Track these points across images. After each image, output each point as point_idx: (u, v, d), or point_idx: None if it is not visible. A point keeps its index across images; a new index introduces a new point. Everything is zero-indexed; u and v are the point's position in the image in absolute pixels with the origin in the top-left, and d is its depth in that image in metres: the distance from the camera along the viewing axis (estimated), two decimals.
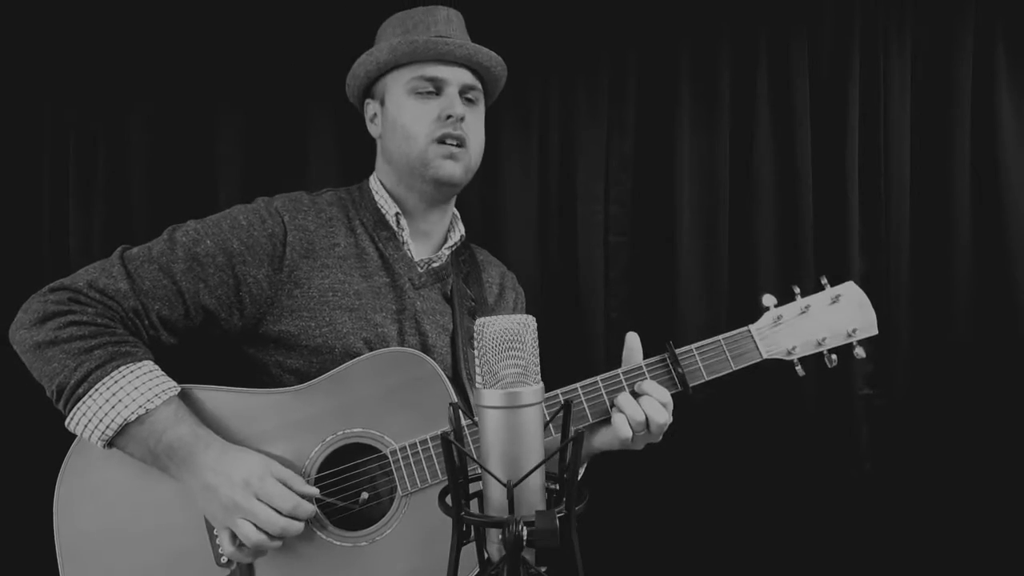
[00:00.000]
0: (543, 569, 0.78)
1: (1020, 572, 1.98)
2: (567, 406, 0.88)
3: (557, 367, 1.23)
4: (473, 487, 0.86)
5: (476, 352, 0.81)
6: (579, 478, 1.46)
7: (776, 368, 1.99)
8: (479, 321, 0.80)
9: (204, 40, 1.89)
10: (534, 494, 0.79)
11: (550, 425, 1.18)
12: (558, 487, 0.84)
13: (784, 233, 2.02)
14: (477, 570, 0.84)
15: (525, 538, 0.73)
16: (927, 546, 2.01)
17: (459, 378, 1.38)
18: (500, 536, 0.76)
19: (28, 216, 1.88)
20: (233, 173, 1.92)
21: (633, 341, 1.30)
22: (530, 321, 0.81)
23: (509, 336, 0.79)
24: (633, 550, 2.00)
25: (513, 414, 0.78)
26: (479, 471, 0.81)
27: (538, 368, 0.81)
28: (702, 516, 2.00)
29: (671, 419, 1.24)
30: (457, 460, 0.82)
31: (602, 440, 1.29)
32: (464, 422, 1.19)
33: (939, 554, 2.00)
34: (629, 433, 1.21)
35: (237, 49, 1.90)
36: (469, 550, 0.83)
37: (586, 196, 2.02)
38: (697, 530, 2.00)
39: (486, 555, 0.82)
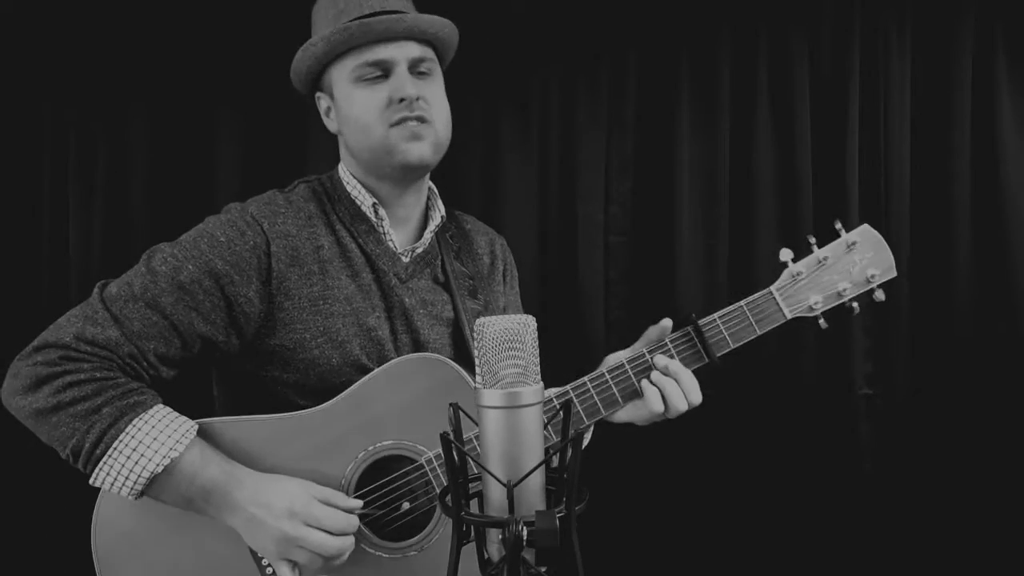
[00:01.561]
0: (543, 569, 0.78)
1: (1020, 572, 1.98)
2: (567, 405, 0.87)
3: (557, 367, 1.23)
4: (473, 487, 0.85)
5: (476, 352, 0.81)
6: (587, 439, 1.44)
7: (776, 363, 2.00)
8: (479, 321, 0.80)
9: (203, 40, 1.90)
10: (534, 494, 0.79)
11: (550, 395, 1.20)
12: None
13: (784, 233, 2.02)
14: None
15: (525, 538, 0.73)
16: (927, 545, 2.01)
17: (471, 364, 1.33)
18: (500, 536, 0.76)
19: (28, 216, 1.88)
20: (232, 172, 1.92)
21: (666, 323, 1.27)
22: (530, 321, 0.80)
23: (509, 336, 0.79)
24: (633, 550, 2.00)
25: (513, 414, 0.78)
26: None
27: (538, 368, 0.81)
28: (702, 516, 2.00)
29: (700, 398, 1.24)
30: (457, 460, 0.82)
31: (630, 414, 1.26)
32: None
33: (939, 553, 2.00)
34: (661, 407, 1.21)
35: (236, 49, 1.90)
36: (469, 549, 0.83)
37: (586, 196, 2.02)
38: (697, 530, 2.00)
39: (486, 555, 0.82)
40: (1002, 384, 2.00)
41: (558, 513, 0.76)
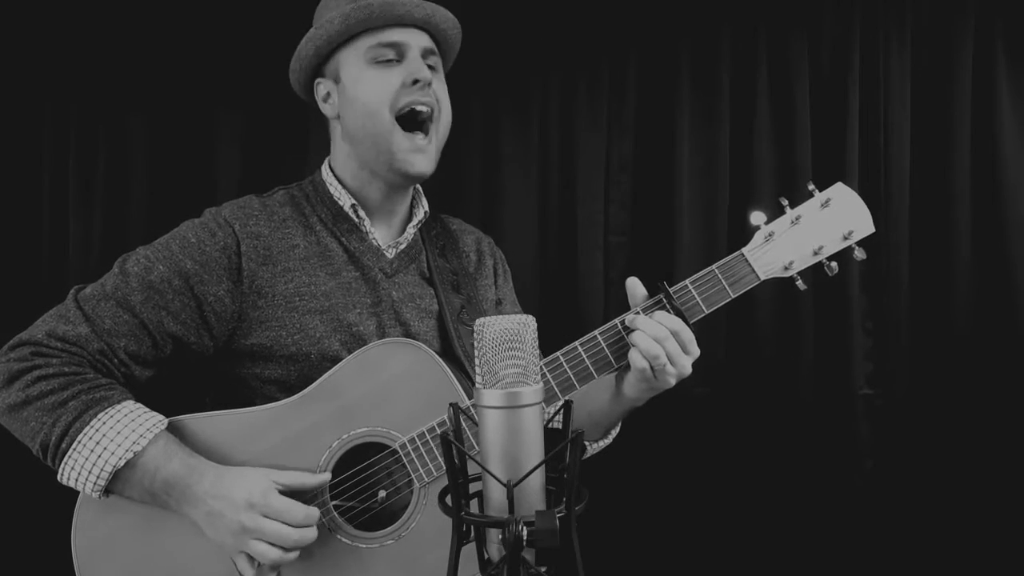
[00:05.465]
0: (543, 569, 0.78)
1: (1020, 572, 1.99)
2: (567, 405, 0.88)
3: None
4: (473, 487, 0.85)
5: (476, 352, 0.81)
6: (614, 434, 1.43)
7: (777, 363, 2.01)
8: (479, 321, 0.80)
9: (204, 40, 1.90)
10: (534, 494, 0.79)
11: (556, 388, 1.17)
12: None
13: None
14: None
15: (525, 538, 0.73)
16: (928, 544, 2.01)
17: (455, 356, 1.33)
18: (500, 536, 0.76)
19: (28, 216, 1.88)
20: (233, 172, 1.92)
21: (634, 286, 1.22)
22: (530, 321, 0.80)
23: (509, 336, 0.79)
24: (633, 550, 2.00)
25: (513, 414, 0.78)
26: (479, 470, 0.81)
27: (538, 368, 0.81)
28: (703, 516, 2.00)
29: (677, 344, 1.14)
30: (457, 460, 0.82)
31: (631, 387, 1.20)
32: (467, 404, 1.18)
33: (940, 552, 2.00)
34: (645, 364, 1.14)
35: (236, 49, 1.90)
36: (469, 550, 0.83)
37: (586, 196, 2.02)
38: (698, 530, 2.00)
39: (486, 555, 0.82)
40: (1002, 384, 2.00)
41: (558, 513, 0.76)
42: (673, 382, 1.18)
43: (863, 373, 2.03)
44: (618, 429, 1.45)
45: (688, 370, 1.17)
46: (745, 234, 2.09)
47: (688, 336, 1.16)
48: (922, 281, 2.04)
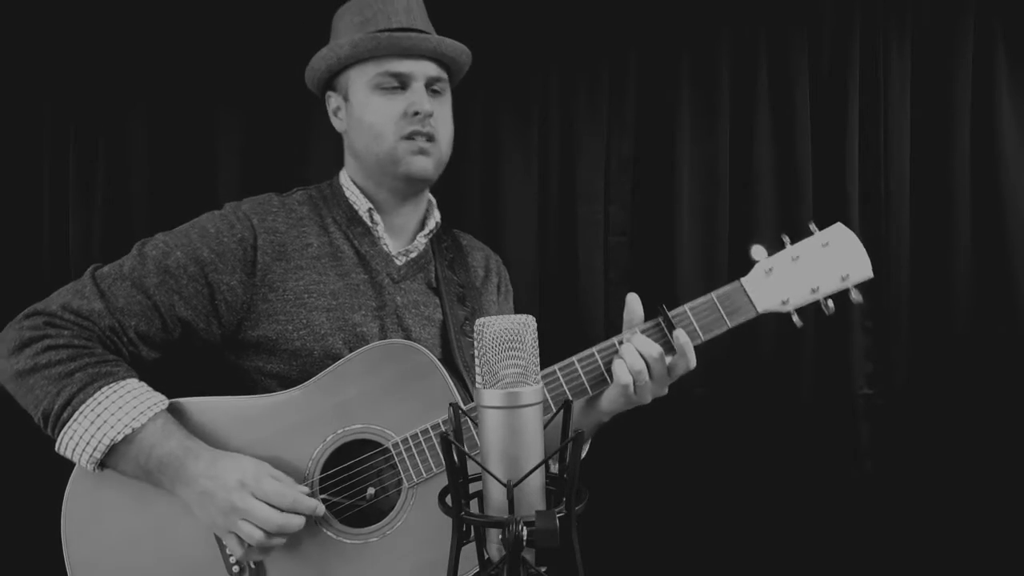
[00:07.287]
0: (543, 569, 0.78)
1: (1020, 572, 1.99)
2: (567, 405, 0.88)
3: None
4: (473, 487, 0.86)
5: (476, 352, 0.81)
6: (586, 450, 1.43)
7: (776, 362, 2.01)
8: (479, 321, 0.81)
9: (204, 40, 1.90)
10: (534, 494, 0.79)
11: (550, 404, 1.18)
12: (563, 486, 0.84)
13: (784, 233, 2.02)
14: (477, 570, 0.84)
15: (525, 538, 0.73)
16: (928, 545, 2.01)
17: (454, 366, 1.36)
18: (500, 536, 0.76)
19: (28, 216, 1.88)
20: (233, 172, 1.92)
21: (633, 303, 1.26)
22: (530, 321, 0.81)
23: (509, 336, 0.79)
24: (633, 550, 2.00)
25: (513, 414, 0.78)
26: (479, 470, 0.81)
27: (538, 368, 0.81)
28: (702, 516, 2.00)
29: (665, 366, 1.20)
30: (457, 460, 0.82)
31: (609, 400, 1.24)
32: (465, 408, 1.18)
33: (939, 553, 2.00)
34: (629, 378, 1.17)
35: (237, 49, 1.90)
36: (469, 550, 0.83)
37: (586, 196, 2.02)
38: (697, 530, 2.00)
39: (486, 555, 0.82)
40: (1002, 384, 2.00)
41: (558, 513, 0.76)
42: (649, 399, 1.23)
43: (863, 373, 2.02)
44: (588, 447, 1.45)
45: (664, 391, 1.24)
46: (744, 234, 2.10)
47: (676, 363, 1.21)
48: (922, 281, 2.04)
